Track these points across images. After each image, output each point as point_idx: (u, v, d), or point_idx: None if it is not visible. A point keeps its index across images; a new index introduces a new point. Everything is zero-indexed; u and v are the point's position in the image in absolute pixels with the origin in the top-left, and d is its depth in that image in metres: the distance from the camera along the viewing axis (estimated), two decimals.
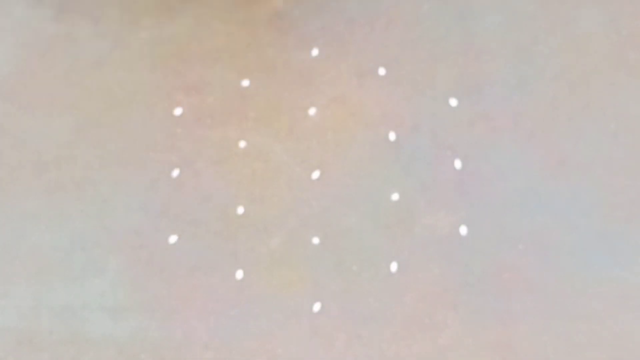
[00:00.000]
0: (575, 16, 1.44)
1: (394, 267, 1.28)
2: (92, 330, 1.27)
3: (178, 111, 1.42)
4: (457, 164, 1.34)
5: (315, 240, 1.31)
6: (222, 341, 1.25)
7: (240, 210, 1.34)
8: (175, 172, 1.37)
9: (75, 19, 1.52)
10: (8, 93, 1.46)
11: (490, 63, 1.42)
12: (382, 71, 1.42)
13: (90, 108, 1.44)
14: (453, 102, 1.39)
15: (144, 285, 1.30)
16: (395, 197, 1.33)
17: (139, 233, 1.33)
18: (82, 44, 1.49)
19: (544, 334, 1.22)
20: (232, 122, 1.41)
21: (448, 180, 1.33)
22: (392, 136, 1.37)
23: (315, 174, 1.36)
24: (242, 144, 1.39)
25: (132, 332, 1.26)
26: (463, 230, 1.29)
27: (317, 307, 1.26)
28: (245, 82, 1.43)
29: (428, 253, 1.29)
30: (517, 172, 1.33)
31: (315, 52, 1.45)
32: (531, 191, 1.32)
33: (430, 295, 1.26)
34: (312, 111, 1.40)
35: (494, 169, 1.34)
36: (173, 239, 1.33)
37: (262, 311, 1.26)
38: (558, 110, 1.37)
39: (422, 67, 1.42)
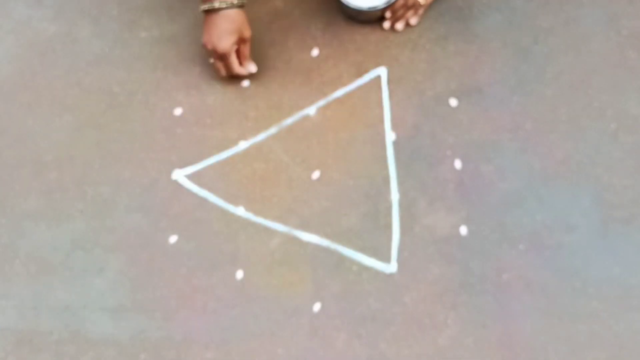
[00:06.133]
0: (575, 16, 1.44)
1: (393, 267, 1.28)
2: (92, 330, 1.27)
3: (178, 111, 1.42)
4: (457, 164, 1.34)
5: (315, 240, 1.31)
6: (222, 341, 1.25)
7: (241, 210, 1.34)
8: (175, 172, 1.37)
9: (75, 19, 1.52)
10: (8, 93, 1.46)
11: (490, 63, 1.42)
12: (382, 71, 1.42)
13: (90, 108, 1.44)
14: (453, 102, 1.39)
15: (144, 285, 1.30)
16: (395, 197, 1.33)
17: (139, 233, 1.33)
18: (82, 44, 1.49)
19: (544, 334, 1.22)
20: (232, 122, 1.41)
21: (448, 180, 1.33)
22: (392, 136, 1.37)
23: (315, 174, 1.36)
24: (242, 144, 1.39)
25: (132, 332, 1.26)
26: (463, 230, 1.30)
27: (317, 307, 1.26)
28: (245, 82, 1.43)
29: (428, 253, 1.29)
30: (517, 172, 1.33)
31: (315, 52, 1.45)
32: (531, 191, 1.32)
33: (430, 295, 1.26)
34: (312, 111, 1.41)
35: (494, 169, 1.34)
36: (173, 239, 1.33)
37: (262, 311, 1.27)
38: (558, 110, 1.37)
39: (422, 67, 1.42)
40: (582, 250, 1.27)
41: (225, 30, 1.33)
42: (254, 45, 1.45)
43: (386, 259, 1.29)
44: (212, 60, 1.40)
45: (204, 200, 1.35)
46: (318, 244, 1.31)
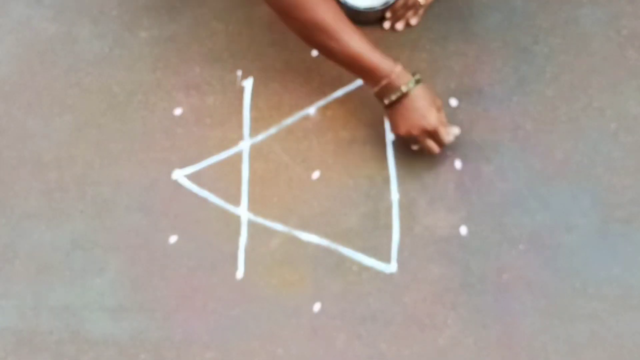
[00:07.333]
0: (575, 16, 1.44)
1: (393, 267, 1.28)
2: (92, 330, 1.27)
3: (178, 111, 1.42)
4: (457, 164, 1.34)
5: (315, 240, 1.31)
6: (222, 341, 1.25)
7: (241, 210, 1.34)
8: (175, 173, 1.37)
9: (75, 19, 1.52)
10: (8, 93, 1.46)
11: (490, 63, 1.42)
12: None
13: (90, 108, 1.44)
14: (453, 102, 1.39)
15: (144, 285, 1.30)
16: (395, 197, 1.33)
17: (139, 233, 1.33)
18: (82, 44, 1.50)
19: (544, 334, 1.22)
20: (232, 122, 1.41)
21: (448, 180, 1.33)
22: (392, 136, 1.37)
23: (315, 174, 1.36)
24: (242, 144, 1.39)
25: (132, 332, 1.26)
26: (463, 230, 1.30)
27: (317, 307, 1.26)
28: (245, 83, 1.43)
29: (428, 253, 1.29)
30: (517, 172, 1.33)
31: (315, 52, 1.45)
32: (531, 191, 1.32)
33: (430, 295, 1.26)
34: (312, 111, 1.41)
35: (494, 169, 1.34)
36: (173, 239, 1.33)
37: (262, 311, 1.27)
38: (558, 110, 1.37)
39: (422, 67, 1.42)
40: (582, 250, 1.27)
41: (424, 107, 1.24)
42: (254, 45, 1.45)
43: (386, 259, 1.29)
44: (416, 147, 1.30)
45: (204, 200, 1.35)
46: (318, 244, 1.31)
